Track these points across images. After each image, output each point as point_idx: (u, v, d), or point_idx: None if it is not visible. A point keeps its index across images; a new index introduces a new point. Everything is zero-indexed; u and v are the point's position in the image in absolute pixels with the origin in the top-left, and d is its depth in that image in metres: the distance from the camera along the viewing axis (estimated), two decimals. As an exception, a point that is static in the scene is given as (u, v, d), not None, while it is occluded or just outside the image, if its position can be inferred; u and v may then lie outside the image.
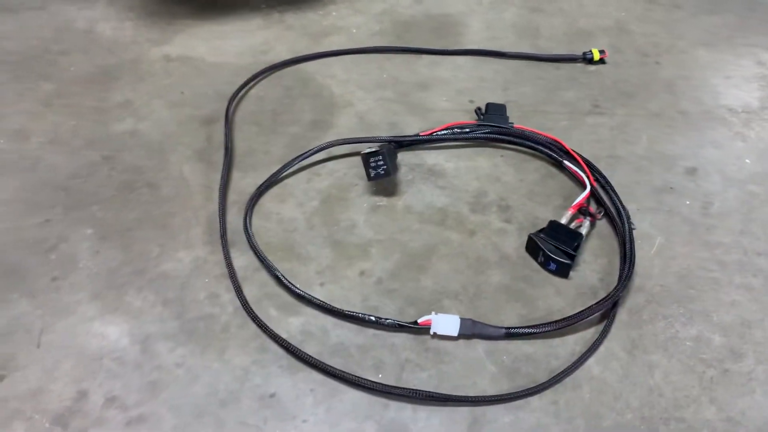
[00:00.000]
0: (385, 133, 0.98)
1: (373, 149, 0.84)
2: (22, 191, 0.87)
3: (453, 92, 1.07)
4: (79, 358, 0.68)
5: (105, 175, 0.90)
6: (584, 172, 0.88)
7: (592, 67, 1.14)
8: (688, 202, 0.88)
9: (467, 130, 0.96)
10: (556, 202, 0.87)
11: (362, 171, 0.86)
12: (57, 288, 0.75)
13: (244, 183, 0.89)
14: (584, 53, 1.14)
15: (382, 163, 0.84)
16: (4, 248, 0.79)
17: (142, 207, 0.85)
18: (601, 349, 0.70)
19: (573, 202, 0.84)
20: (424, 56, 1.16)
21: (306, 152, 0.91)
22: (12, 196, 0.86)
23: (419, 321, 0.70)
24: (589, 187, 0.85)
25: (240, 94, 1.05)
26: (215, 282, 0.76)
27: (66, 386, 0.66)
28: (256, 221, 0.84)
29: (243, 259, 0.79)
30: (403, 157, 0.94)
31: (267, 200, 0.87)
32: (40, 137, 0.96)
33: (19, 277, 0.76)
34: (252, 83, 1.07)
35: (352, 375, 0.66)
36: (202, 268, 0.78)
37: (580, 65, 1.14)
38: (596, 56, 1.13)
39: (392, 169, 0.85)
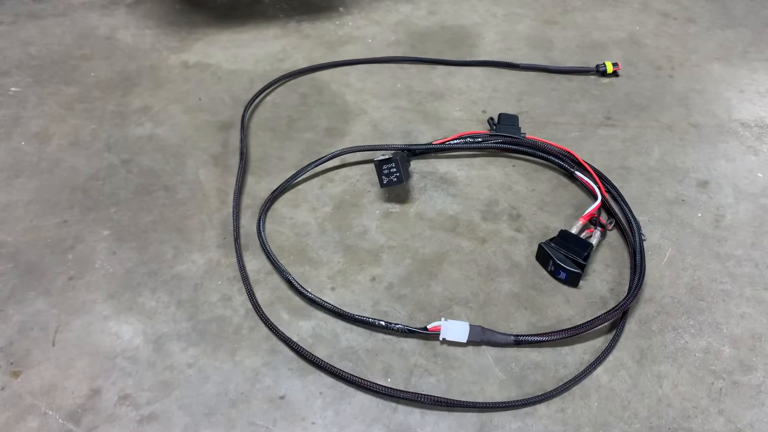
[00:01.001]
0: (398, 141, 0.99)
1: (387, 157, 0.85)
2: (41, 192, 0.89)
3: (466, 102, 1.08)
4: (93, 356, 0.69)
5: (123, 177, 0.91)
6: (595, 182, 0.88)
7: (605, 80, 1.14)
8: (699, 215, 0.88)
9: (480, 139, 0.97)
10: (566, 212, 0.88)
11: (375, 178, 0.87)
12: (73, 287, 0.76)
13: (258, 188, 0.90)
14: (597, 66, 1.14)
15: (395, 170, 0.85)
16: (23, 247, 0.81)
17: (158, 210, 0.86)
18: (610, 358, 0.70)
19: (584, 212, 0.84)
20: (439, 66, 1.17)
21: (320, 159, 0.92)
22: (31, 196, 0.88)
23: (429, 327, 0.71)
24: (600, 198, 0.86)
25: (256, 101, 1.06)
26: (228, 284, 0.77)
27: (80, 383, 0.67)
28: (270, 225, 0.85)
29: (256, 263, 0.80)
30: (416, 165, 0.95)
31: (280, 205, 0.88)
32: (61, 140, 0.97)
33: (37, 275, 0.77)
34: (268, 90, 1.09)
35: (361, 378, 0.67)
36: (215, 270, 0.79)
37: (593, 77, 1.15)
38: (609, 69, 1.13)
39: (405, 176, 0.86)
